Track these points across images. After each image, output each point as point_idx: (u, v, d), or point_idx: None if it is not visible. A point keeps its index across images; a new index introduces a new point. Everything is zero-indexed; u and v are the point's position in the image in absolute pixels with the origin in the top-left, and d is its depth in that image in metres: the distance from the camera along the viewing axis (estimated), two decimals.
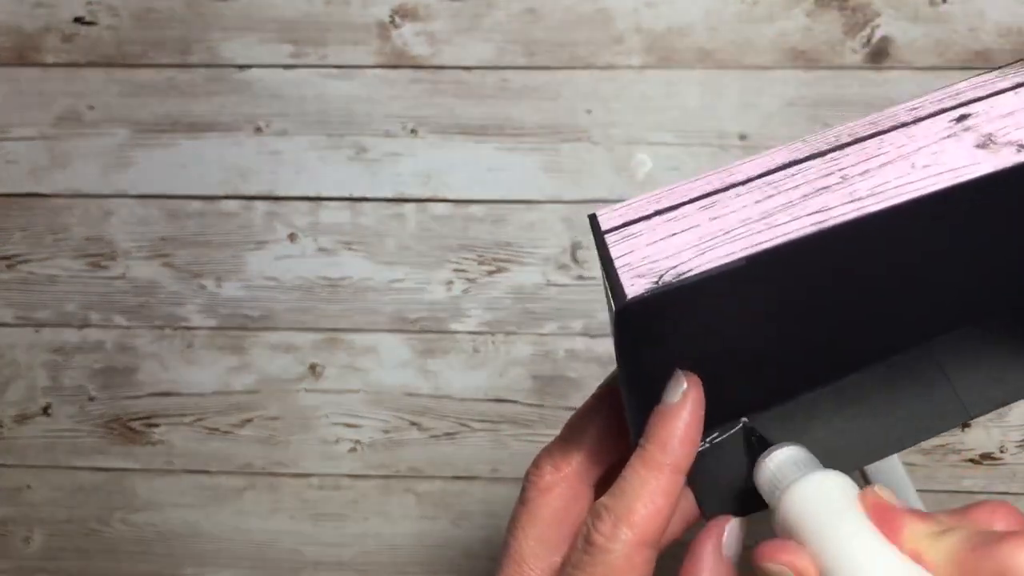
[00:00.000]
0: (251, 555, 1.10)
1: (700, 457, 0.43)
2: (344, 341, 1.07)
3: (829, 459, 0.44)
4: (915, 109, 0.35)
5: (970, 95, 0.34)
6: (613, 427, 0.42)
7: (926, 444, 1.02)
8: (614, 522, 0.37)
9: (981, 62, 0.99)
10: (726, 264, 0.32)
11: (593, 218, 0.36)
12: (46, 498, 1.11)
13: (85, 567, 1.11)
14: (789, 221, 0.33)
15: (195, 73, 1.06)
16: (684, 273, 0.33)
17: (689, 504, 0.43)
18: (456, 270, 1.05)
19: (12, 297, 1.09)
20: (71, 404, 1.10)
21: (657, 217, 0.35)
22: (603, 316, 1.04)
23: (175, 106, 1.06)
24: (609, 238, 0.35)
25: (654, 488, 0.37)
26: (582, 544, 0.38)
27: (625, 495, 0.37)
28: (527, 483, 0.42)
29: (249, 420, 1.08)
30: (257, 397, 1.08)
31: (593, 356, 1.05)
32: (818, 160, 0.34)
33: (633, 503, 0.37)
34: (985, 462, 1.02)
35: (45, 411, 1.10)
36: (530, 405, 1.06)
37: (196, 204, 1.07)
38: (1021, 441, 1.02)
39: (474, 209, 1.04)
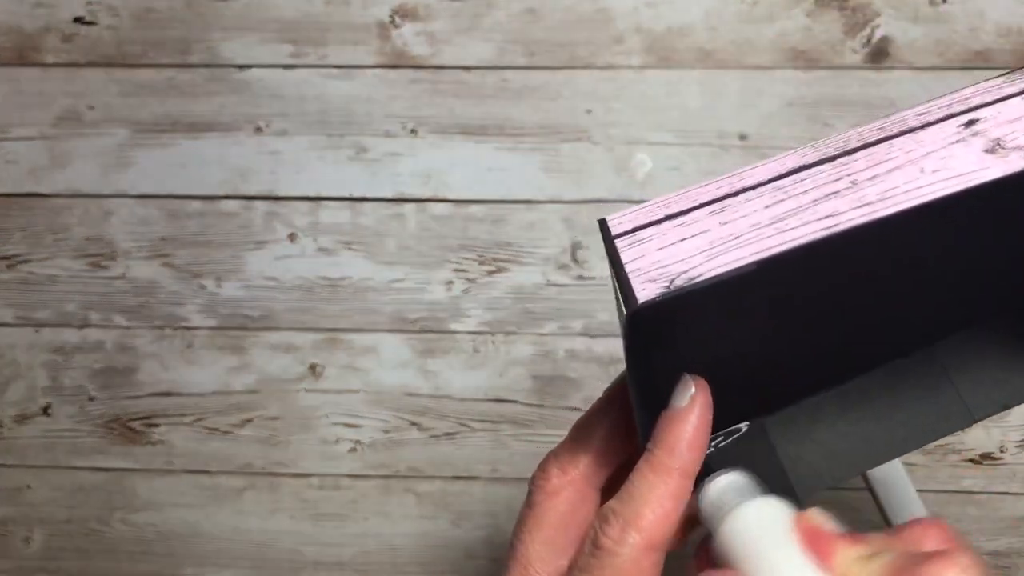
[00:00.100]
0: (251, 555, 1.10)
1: (707, 460, 0.43)
2: (344, 341, 1.07)
3: (833, 462, 0.44)
4: (924, 114, 0.35)
5: (978, 100, 0.34)
6: (619, 430, 0.42)
7: (928, 445, 1.02)
8: (622, 526, 0.37)
9: (981, 62, 1.00)
10: (736, 269, 0.32)
11: (603, 223, 0.35)
12: (46, 498, 1.11)
13: (85, 567, 1.11)
14: (799, 226, 0.33)
15: (195, 73, 1.06)
16: (695, 278, 0.33)
17: (696, 507, 0.43)
18: (456, 270, 1.05)
19: (12, 297, 1.09)
20: (71, 404, 1.09)
21: (667, 222, 0.34)
22: (603, 316, 1.04)
23: (175, 106, 1.06)
24: (619, 243, 0.34)
25: (662, 492, 0.37)
26: (589, 548, 0.38)
27: (633, 499, 0.37)
28: (533, 486, 0.42)
29: (249, 420, 1.08)
30: (257, 397, 1.08)
31: (593, 356, 1.05)
32: (828, 165, 0.34)
33: (641, 507, 0.37)
34: (985, 462, 1.02)
35: (45, 411, 1.10)
36: (530, 405, 1.06)
37: (196, 204, 1.07)
38: (1021, 441, 1.02)
39: (474, 209, 1.04)
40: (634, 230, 0.35)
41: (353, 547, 1.09)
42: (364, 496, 1.08)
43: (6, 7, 1.06)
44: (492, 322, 1.05)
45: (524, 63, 1.03)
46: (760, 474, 0.44)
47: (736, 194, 0.34)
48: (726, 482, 0.39)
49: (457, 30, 1.04)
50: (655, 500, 0.37)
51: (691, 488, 0.38)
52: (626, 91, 1.03)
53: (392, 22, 1.04)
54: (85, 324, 1.08)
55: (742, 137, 1.02)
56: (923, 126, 0.34)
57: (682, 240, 0.34)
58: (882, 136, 0.34)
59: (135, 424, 1.09)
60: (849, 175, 0.34)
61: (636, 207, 0.35)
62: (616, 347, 1.03)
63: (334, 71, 1.05)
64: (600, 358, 1.04)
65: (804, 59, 1.01)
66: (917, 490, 0.89)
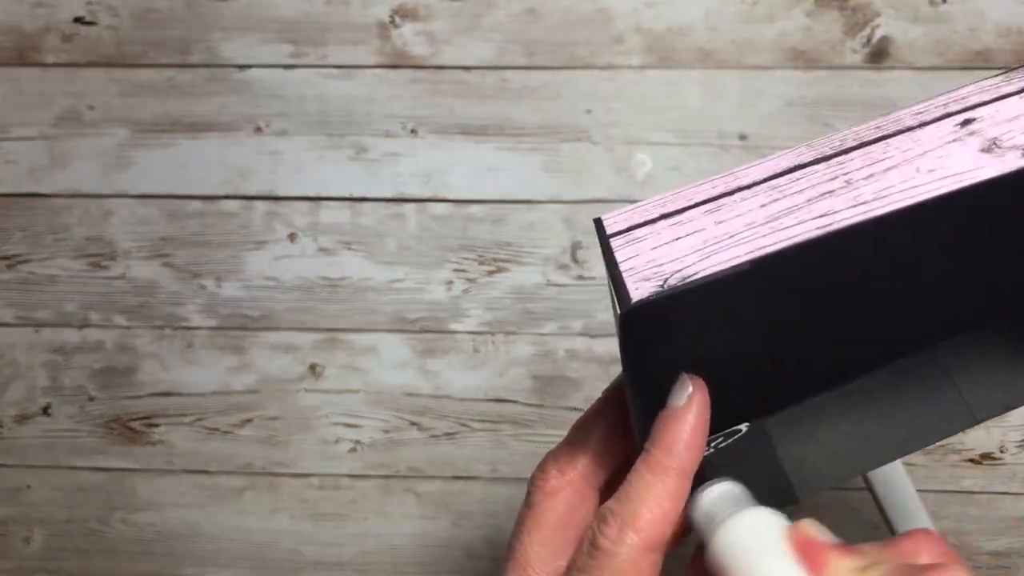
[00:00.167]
0: (251, 555, 1.10)
1: (706, 461, 0.43)
2: (344, 341, 1.07)
3: (835, 463, 0.44)
4: (920, 113, 0.35)
5: (975, 99, 0.34)
6: (618, 431, 0.42)
7: (930, 446, 1.02)
8: (620, 526, 0.37)
9: (981, 62, 1.00)
10: (730, 268, 0.32)
11: (599, 222, 0.35)
12: (46, 498, 1.11)
13: (85, 567, 1.11)
14: (794, 225, 0.33)
15: (195, 73, 1.06)
16: (689, 277, 0.33)
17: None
18: (456, 270, 1.05)
19: (12, 297, 1.09)
20: (71, 404, 1.09)
21: (662, 221, 0.34)
22: (603, 316, 1.04)
23: (175, 106, 1.06)
24: (614, 242, 0.35)
25: (660, 492, 0.37)
26: (588, 548, 0.38)
27: (631, 499, 0.37)
28: (532, 487, 0.42)
29: (249, 420, 1.08)
30: (257, 397, 1.08)
31: (593, 356, 1.05)
32: (823, 164, 0.34)
33: (639, 507, 0.37)
34: (985, 462, 1.02)
35: (45, 411, 1.10)
36: (530, 405, 1.06)
37: (196, 204, 1.07)
38: (1021, 441, 1.02)
39: (474, 209, 1.04)
40: (629, 229, 0.35)
41: (353, 547, 1.09)
42: (364, 496, 1.08)
43: (6, 7, 1.06)
44: (492, 322, 1.05)
45: (524, 63, 1.03)
46: (760, 474, 0.44)
47: (731, 193, 0.34)
48: (719, 492, 0.39)
49: (457, 30, 1.04)
50: (653, 500, 0.37)
51: (689, 488, 0.38)
52: (626, 91, 1.03)
53: (392, 22, 1.04)
54: (85, 324, 1.08)
55: (742, 137, 1.02)
56: (920, 125, 0.34)
57: (677, 239, 0.34)
58: (878, 135, 0.34)
59: (135, 424, 1.09)
60: (845, 174, 0.34)
61: (631, 206, 0.35)
62: (616, 347, 1.03)
63: (334, 71, 1.05)
64: (600, 358, 1.04)
65: (804, 59, 1.01)
66: (917, 490, 0.89)
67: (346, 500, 1.09)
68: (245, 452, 1.08)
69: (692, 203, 0.34)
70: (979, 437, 1.02)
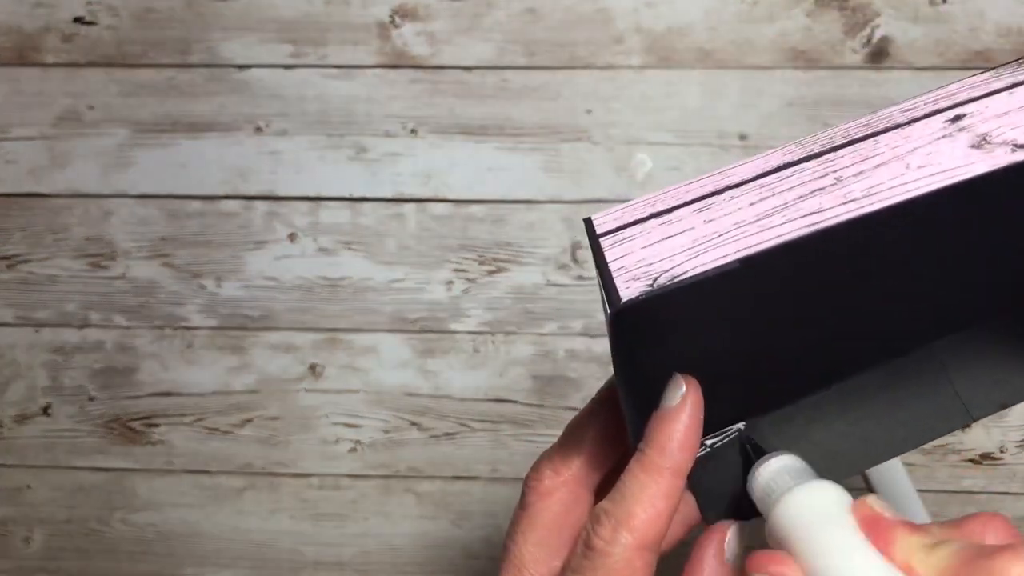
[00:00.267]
0: (251, 555, 1.10)
1: (701, 461, 0.43)
2: (344, 341, 1.07)
3: (831, 462, 0.44)
4: (910, 110, 0.35)
5: (965, 96, 0.34)
6: (613, 431, 0.42)
7: (926, 444, 1.02)
8: (614, 526, 0.37)
9: (981, 62, 0.99)
10: (719, 267, 0.32)
11: (588, 222, 0.35)
12: (46, 498, 1.11)
13: (85, 567, 1.11)
14: (783, 223, 0.33)
15: (195, 73, 1.06)
16: (678, 276, 0.33)
17: (690, 508, 0.43)
18: (456, 270, 1.05)
19: (12, 297, 1.09)
20: (71, 404, 1.10)
21: (652, 220, 0.34)
22: (603, 316, 1.04)
23: (175, 106, 1.06)
24: (604, 241, 0.34)
25: (654, 492, 0.37)
26: (582, 548, 0.38)
27: (625, 499, 0.37)
28: (527, 488, 0.42)
29: (249, 420, 1.08)
30: (257, 397, 1.08)
31: (593, 356, 1.05)
32: (813, 162, 0.34)
33: (632, 507, 0.37)
34: (985, 462, 1.02)
35: (45, 411, 1.10)
36: (530, 405, 1.06)
37: (196, 204, 1.07)
38: (1021, 441, 1.02)
39: (474, 209, 1.04)
40: (618, 229, 0.35)
41: (353, 547, 1.09)
42: (364, 496, 1.08)
43: (6, 7, 1.06)
44: (492, 322, 1.05)
45: (524, 63, 1.03)
46: None
47: (720, 192, 0.34)
48: (779, 464, 0.39)
49: (457, 30, 1.04)
50: (647, 500, 0.37)
51: (683, 487, 0.38)
52: (626, 91, 1.03)
53: (392, 22, 1.04)
54: (85, 324, 1.08)
55: (742, 137, 1.02)
56: (909, 122, 0.34)
57: (666, 238, 0.34)
58: (868, 132, 0.34)
59: (135, 424, 1.09)
60: (834, 171, 0.34)
61: (621, 206, 0.35)
62: None
63: (334, 71, 1.05)
64: (600, 358, 1.04)
65: (804, 59, 1.01)
66: (917, 490, 0.89)
67: (346, 500, 1.09)
68: (245, 452, 1.09)
69: (682, 202, 0.34)
70: (979, 437, 1.02)
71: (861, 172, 0.33)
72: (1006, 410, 0.99)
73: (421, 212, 1.05)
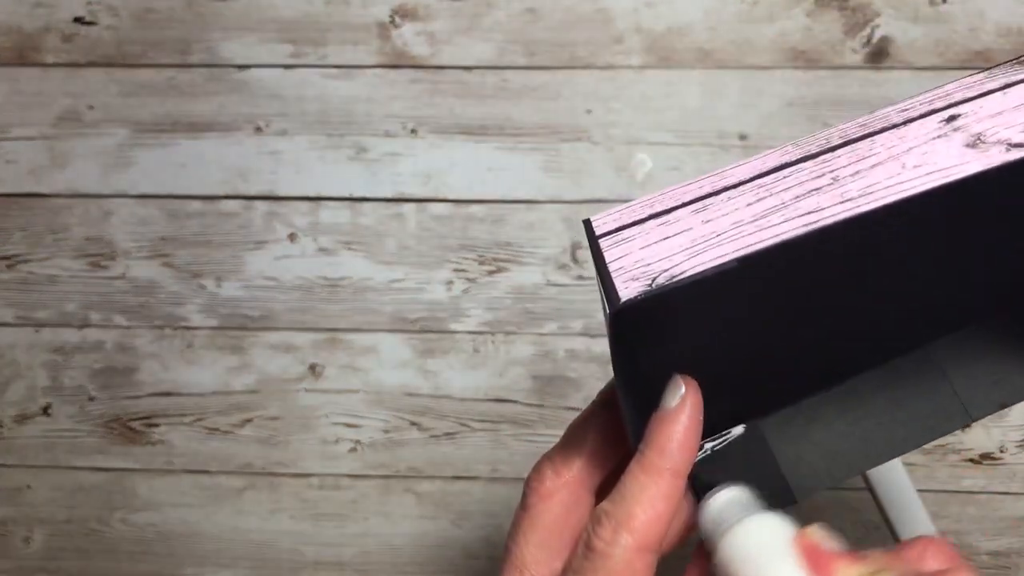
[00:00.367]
0: (251, 555, 1.10)
1: (702, 462, 0.43)
2: (344, 341, 1.07)
3: (831, 463, 0.44)
4: (906, 110, 0.35)
5: (960, 96, 0.35)
6: (613, 432, 0.42)
7: (926, 444, 1.02)
8: (614, 527, 0.37)
9: (981, 62, 0.99)
10: (717, 267, 0.32)
11: (587, 223, 0.36)
12: (46, 498, 1.11)
13: (85, 567, 1.11)
14: (781, 223, 0.33)
15: (195, 73, 1.06)
16: (676, 276, 0.33)
17: (691, 509, 0.43)
18: (456, 270, 1.05)
19: (12, 297, 1.09)
20: (71, 404, 1.10)
21: (651, 221, 0.35)
22: (603, 316, 1.04)
23: (175, 106, 1.06)
24: (603, 242, 0.35)
25: (654, 493, 0.37)
26: (583, 550, 0.38)
27: (625, 500, 0.37)
28: (528, 489, 0.42)
29: (249, 420, 1.08)
30: (257, 397, 1.08)
31: (593, 356, 1.05)
32: (809, 162, 0.34)
33: (633, 508, 0.37)
34: (985, 462, 1.02)
35: (45, 411, 1.10)
36: (530, 405, 1.06)
37: (196, 204, 1.07)
38: (1021, 441, 1.02)
39: (474, 209, 1.04)
40: (618, 229, 0.35)
41: (353, 547, 1.09)
42: (364, 496, 1.08)
43: (6, 7, 1.06)
44: (492, 322, 1.05)
45: (524, 63, 1.03)
46: (757, 476, 0.44)
47: (718, 192, 0.35)
48: (727, 497, 0.39)
49: (457, 30, 1.04)
50: (646, 501, 0.37)
51: (683, 488, 0.38)
52: (626, 91, 1.03)
53: (392, 22, 1.04)
54: (85, 324, 1.08)
55: (742, 137, 1.02)
56: (905, 122, 0.34)
57: (665, 239, 0.34)
58: (864, 132, 0.35)
59: (135, 424, 1.09)
60: (831, 171, 0.34)
61: (620, 207, 0.36)
62: None
63: (334, 71, 1.05)
64: (600, 358, 1.04)
65: (804, 59, 1.01)
66: (917, 490, 0.88)
67: (346, 500, 1.09)
68: (245, 452, 1.09)
69: (680, 203, 0.35)
70: (979, 437, 1.02)
71: (858, 172, 0.33)
72: (1006, 410, 1.00)
73: (421, 212, 1.05)
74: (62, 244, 1.08)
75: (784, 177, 0.34)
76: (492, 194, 1.04)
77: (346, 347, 1.07)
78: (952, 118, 0.34)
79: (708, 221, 0.34)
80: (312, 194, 1.06)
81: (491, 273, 1.05)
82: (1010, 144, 0.33)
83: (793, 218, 0.33)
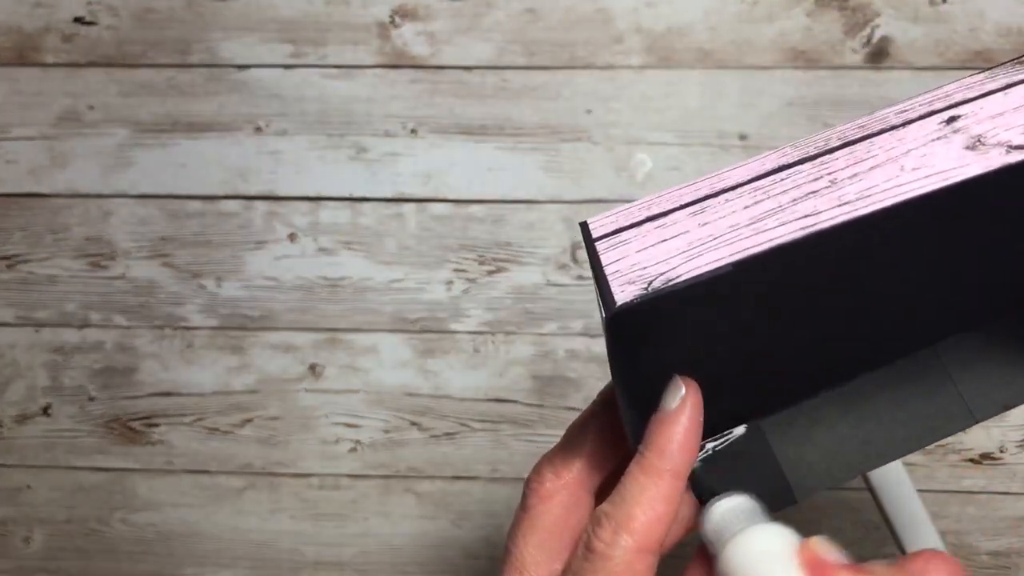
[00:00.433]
0: (251, 555, 1.10)
1: (703, 462, 0.43)
2: (344, 341, 1.07)
3: (833, 464, 0.44)
4: (904, 112, 0.35)
5: (959, 97, 0.34)
6: (613, 434, 0.42)
7: (929, 445, 1.02)
8: (614, 529, 0.37)
9: (981, 62, 0.99)
10: (713, 270, 0.32)
11: (584, 226, 0.36)
12: (46, 498, 1.11)
13: (85, 567, 1.11)
14: (778, 226, 0.33)
15: (195, 73, 1.06)
16: (673, 279, 0.33)
17: (691, 510, 0.43)
18: (456, 270, 1.05)
19: (12, 297, 1.09)
20: (71, 404, 1.10)
21: (648, 224, 0.34)
22: (600, 318, 1.04)
23: (175, 106, 1.06)
24: (599, 245, 0.35)
25: (654, 495, 0.37)
26: (583, 551, 0.38)
27: (625, 502, 0.37)
28: (528, 490, 0.42)
29: (249, 420, 1.08)
30: (257, 397, 1.08)
31: (593, 356, 1.05)
32: (807, 164, 0.34)
33: (633, 509, 0.37)
34: (985, 462, 1.02)
35: (45, 411, 1.10)
36: (530, 405, 1.06)
37: (196, 204, 1.07)
38: (1021, 441, 1.02)
39: (474, 209, 1.04)
40: (614, 232, 0.35)
41: (353, 547, 1.09)
42: (364, 496, 1.08)
43: (6, 7, 1.06)
44: (492, 322, 1.05)
45: (524, 63, 1.03)
46: (757, 477, 0.44)
47: (716, 195, 0.34)
48: (729, 505, 0.39)
49: (457, 30, 1.04)
50: (646, 502, 0.37)
51: (683, 489, 0.38)
52: (626, 91, 1.03)
53: (392, 22, 1.04)
54: (85, 324, 1.08)
55: (742, 137, 1.02)
56: (904, 124, 0.34)
57: (662, 241, 0.34)
58: (863, 134, 0.34)
59: (135, 424, 1.09)
60: (829, 174, 0.34)
61: (617, 209, 0.35)
62: None
63: (334, 71, 1.05)
64: (600, 358, 1.04)
65: (804, 59, 1.01)
66: (917, 490, 0.88)
67: (346, 500, 1.09)
68: (245, 452, 1.09)
69: (677, 205, 0.35)
70: (979, 437, 1.02)
71: (856, 174, 0.33)
72: (1007, 411, 0.99)
73: (421, 212, 1.05)
74: (62, 244, 1.08)
75: (782, 179, 0.34)
76: (492, 194, 1.04)
77: (346, 347, 1.07)
78: (952, 119, 0.34)
79: (705, 224, 0.34)
80: (312, 194, 1.06)
81: (491, 273, 1.05)
82: (1010, 146, 0.33)
83: (790, 221, 0.33)
